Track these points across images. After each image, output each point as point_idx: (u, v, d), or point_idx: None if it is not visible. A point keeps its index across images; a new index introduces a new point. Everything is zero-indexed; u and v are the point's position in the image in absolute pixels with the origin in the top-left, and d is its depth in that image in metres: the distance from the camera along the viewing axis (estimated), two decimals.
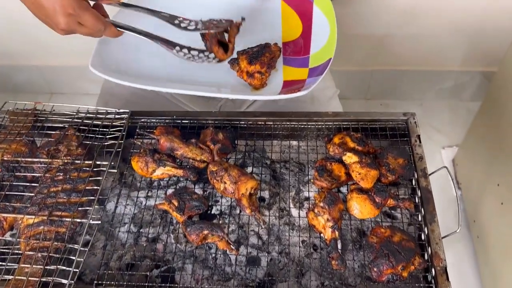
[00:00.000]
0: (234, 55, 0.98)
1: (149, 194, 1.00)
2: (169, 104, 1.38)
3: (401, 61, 2.15)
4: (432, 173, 0.97)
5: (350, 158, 0.90)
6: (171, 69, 1.01)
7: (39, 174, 0.96)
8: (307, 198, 0.99)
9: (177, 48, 0.91)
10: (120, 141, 1.01)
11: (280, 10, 1.08)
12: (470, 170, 1.88)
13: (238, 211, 0.96)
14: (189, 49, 0.92)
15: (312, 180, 0.94)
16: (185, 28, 0.90)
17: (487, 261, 1.70)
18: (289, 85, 0.94)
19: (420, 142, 1.00)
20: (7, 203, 0.92)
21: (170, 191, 0.99)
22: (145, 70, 1.01)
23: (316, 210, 0.86)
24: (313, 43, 1.00)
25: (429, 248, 0.87)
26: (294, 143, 1.08)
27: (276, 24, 1.07)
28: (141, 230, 0.95)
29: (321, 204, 0.86)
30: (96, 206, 0.92)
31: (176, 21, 0.91)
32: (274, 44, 0.97)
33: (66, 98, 2.44)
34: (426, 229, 0.89)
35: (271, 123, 1.06)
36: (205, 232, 0.86)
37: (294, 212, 0.97)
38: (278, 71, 1.00)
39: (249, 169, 1.02)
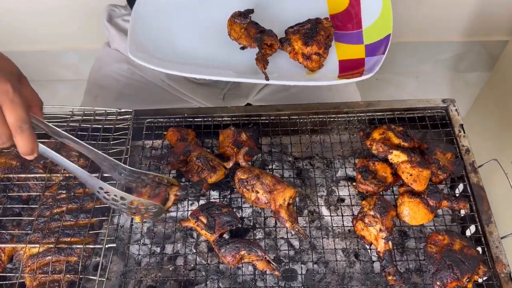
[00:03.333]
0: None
1: None
2: (168, 95, 1.23)
3: (397, 33, 2.04)
4: (481, 165, 0.88)
5: (397, 157, 0.80)
6: (211, 54, 0.89)
7: (37, 193, 0.82)
8: (342, 199, 0.89)
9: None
10: (127, 147, 0.88)
11: None
12: (476, 146, 1.81)
13: (267, 221, 0.85)
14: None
15: (355, 184, 0.83)
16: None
17: None
18: (347, 66, 0.84)
19: (464, 132, 0.91)
20: (3, 231, 0.78)
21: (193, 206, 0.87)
22: (184, 54, 0.89)
23: (366, 220, 0.76)
24: (364, 16, 0.90)
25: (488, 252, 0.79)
26: (322, 137, 0.96)
27: None
28: (161, 249, 0.83)
29: (372, 213, 0.76)
30: (109, 226, 0.79)
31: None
32: (325, 19, 0.85)
33: (38, 85, 2.20)
34: (483, 230, 0.81)
35: (296, 117, 0.95)
36: (242, 252, 0.75)
37: (327, 215, 0.87)
38: (330, 49, 0.87)
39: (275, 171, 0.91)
